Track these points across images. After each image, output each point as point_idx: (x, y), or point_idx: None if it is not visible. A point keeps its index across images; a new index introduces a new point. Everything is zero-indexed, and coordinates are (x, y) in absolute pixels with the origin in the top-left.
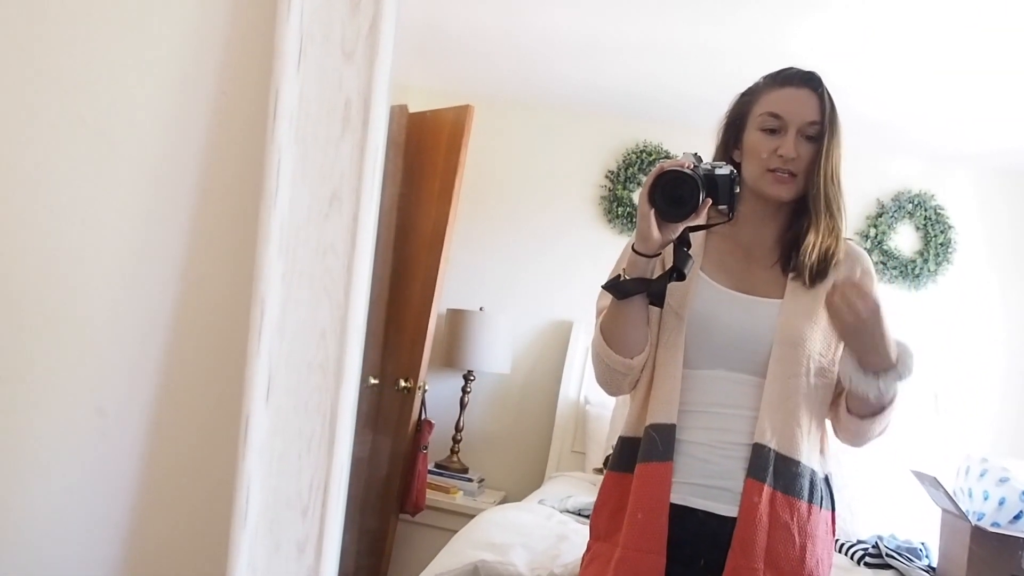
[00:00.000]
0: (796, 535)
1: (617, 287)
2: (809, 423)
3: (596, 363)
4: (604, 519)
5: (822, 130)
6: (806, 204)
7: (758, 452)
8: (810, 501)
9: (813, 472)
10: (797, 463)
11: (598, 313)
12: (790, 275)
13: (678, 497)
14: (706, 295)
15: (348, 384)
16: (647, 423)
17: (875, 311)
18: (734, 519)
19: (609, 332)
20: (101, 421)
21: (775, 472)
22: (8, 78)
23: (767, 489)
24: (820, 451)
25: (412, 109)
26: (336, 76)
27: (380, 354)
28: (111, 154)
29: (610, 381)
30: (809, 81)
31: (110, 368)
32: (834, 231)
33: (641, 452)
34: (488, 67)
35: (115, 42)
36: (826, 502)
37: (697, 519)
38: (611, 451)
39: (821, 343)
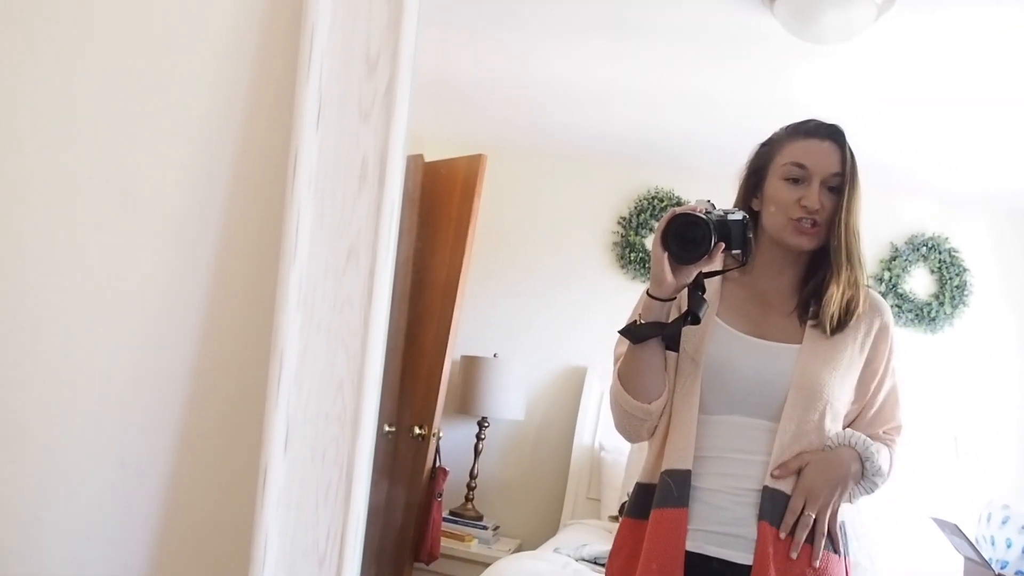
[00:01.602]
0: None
1: (632, 331)
2: None
3: (615, 409)
4: (620, 566)
5: (844, 182)
6: (824, 253)
7: (769, 495)
8: (825, 547)
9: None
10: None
11: (616, 360)
12: (809, 323)
13: (693, 544)
14: (722, 340)
15: (365, 434)
16: (663, 469)
17: (819, 498)
18: (749, 567)
19: (626, 377)
20: (122, 472)
21: (774, 514)
22: (36, 137)
23: (782, 533)
24: None
25: (427, 158)
26: (353, 136)
27: (395, 402)
28: (135, 213)
29: (628, 427)
30: (833, 134)
31: (131, 420)
32: (855, 282)
33: (656, 498)
34: (500, 116)
35: (140, 103)
36: (841, 548)
37: (712, 568)
38: (627, 497)
39: (838, 388)
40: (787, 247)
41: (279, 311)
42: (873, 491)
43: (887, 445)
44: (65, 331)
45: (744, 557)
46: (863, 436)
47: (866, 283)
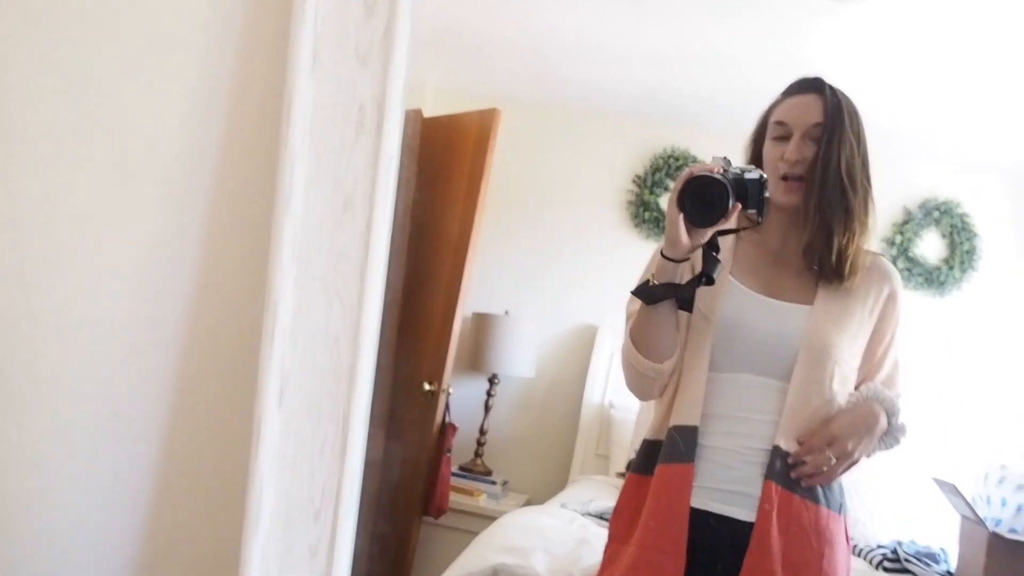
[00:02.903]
0: (813, 540)
1: (646, 292)
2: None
3: (626, 369)
4: (624, 521)
5: (825, 130)
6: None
7: (777, 455)
8: (828, 506)
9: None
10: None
11: (628, 318)
12: (820, 283)
13: (697, 501)
14: (735, 299)
15: (361, 389)
16: (670, 424)
17: (847, 445)
18: (748, 524)
19: (639, 337)
20: (116, 424)
21: (781, 474)
22: (25, 84)
23: (785, 492)
24: None
25: (430, 110)
26: (350, 81)
27: (391, 356)
28: (126, 160)
29: (640, 386)
30: (813, 86)
31: (125, 373)
32: (848, 230)
33: (663, 453)
34: (509, 69)
35: (130, 48)
36: (842, 507)
37: (710, 524)
38: (635, 455)
39: (848, 351)
40: (780, 207)
41: (273, 263)
42: (893, 447)
43: None
44: (56, 283)
45: (747, 515)
46: (889, 394)
47: (872, 241)
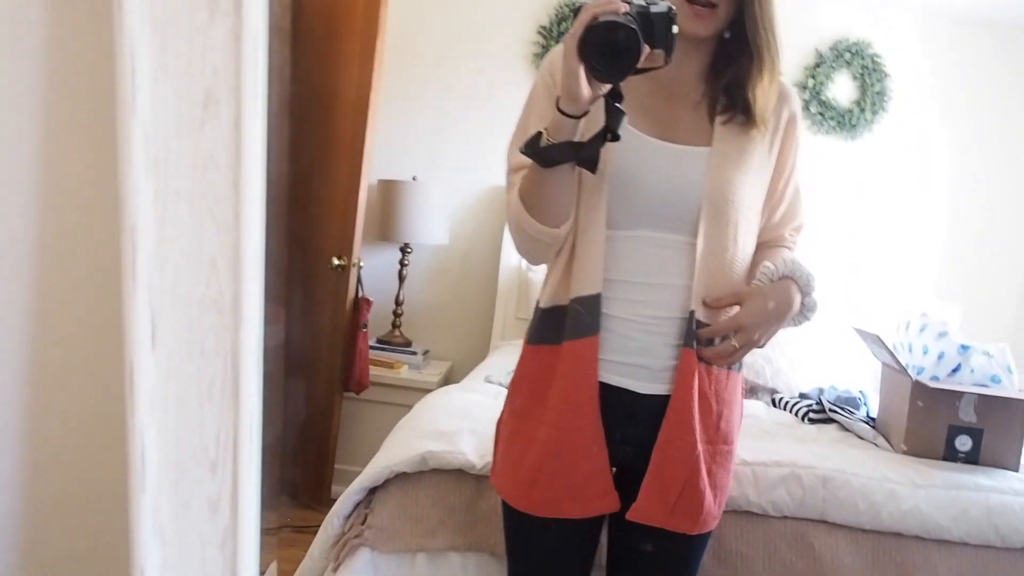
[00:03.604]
0: (714, 404)
1: (542, 154)
2: (734, 286)
3: (516, 233)
4: (524, 394)
5: None
6: (730, 41)
7: (692, 322)
8: (728, 368)
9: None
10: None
11: (512, 171)
12: (719, 120)
13: (602, 375)
14: (629, 146)
15: (249, 321)
16: (571, 296)
17: (754, 335)
18: (648, 396)
19: (531, 201)
20: None
21: (698, 342)
22: None
23: (701, 362)
24: None
25: None
26: None
27: (286, 236)
28: None
29: (534, 251)
30: None
31: None
32: (765, 69)
33: (568, 328)
34: None
35: None
36: (740, 366)
37: (612, 393)
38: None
39: (751, 194)
40: (684, 34)
41: (124, 177)
42: (802, 324)
43: (790, 249)
44: None
45: (645, 387)
46: (806, 269)
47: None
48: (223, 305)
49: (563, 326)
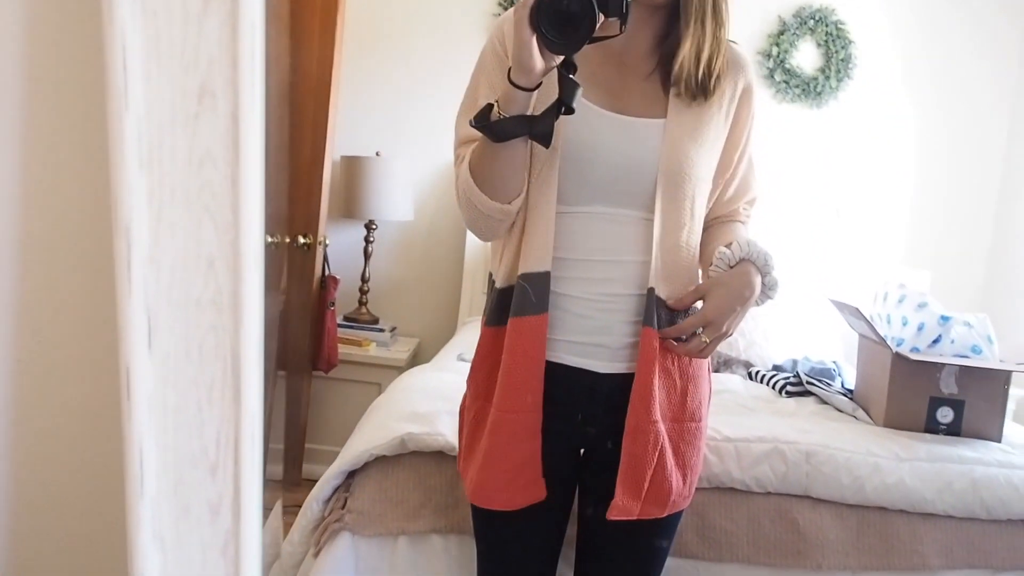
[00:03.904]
0: (677, 380)
1: (493, 128)
2: (690, 264)
3: (466, 208)
4: (483, 377)
5: None
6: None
7: (651, 300)
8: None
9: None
10: (677, 311)
11: (460, 143)
12: (672, 91)
13: (552, 355)
14: (581, 119)
15: (250, 320)
16: (519, 272)
17: (722, 327)
18: (608, 375)
19: (482, 176)
20: None
21: (659, 321)
22: None
23: (662, 340)
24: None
25: None
26: None
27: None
28: None
29: (484, 228)
30: None
31: None
32: (715, 38)
33: (513, 305)
34: None
35: None
36: None
37: (571, 373)
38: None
39: (706, 167)
40: (638, 1)
41: (117, 174)
42: (764, 303)
43: (744, 223)
44: None
45: (604, 366)
46: (762, 248)
47: (727, 38)
48: (222, 304)
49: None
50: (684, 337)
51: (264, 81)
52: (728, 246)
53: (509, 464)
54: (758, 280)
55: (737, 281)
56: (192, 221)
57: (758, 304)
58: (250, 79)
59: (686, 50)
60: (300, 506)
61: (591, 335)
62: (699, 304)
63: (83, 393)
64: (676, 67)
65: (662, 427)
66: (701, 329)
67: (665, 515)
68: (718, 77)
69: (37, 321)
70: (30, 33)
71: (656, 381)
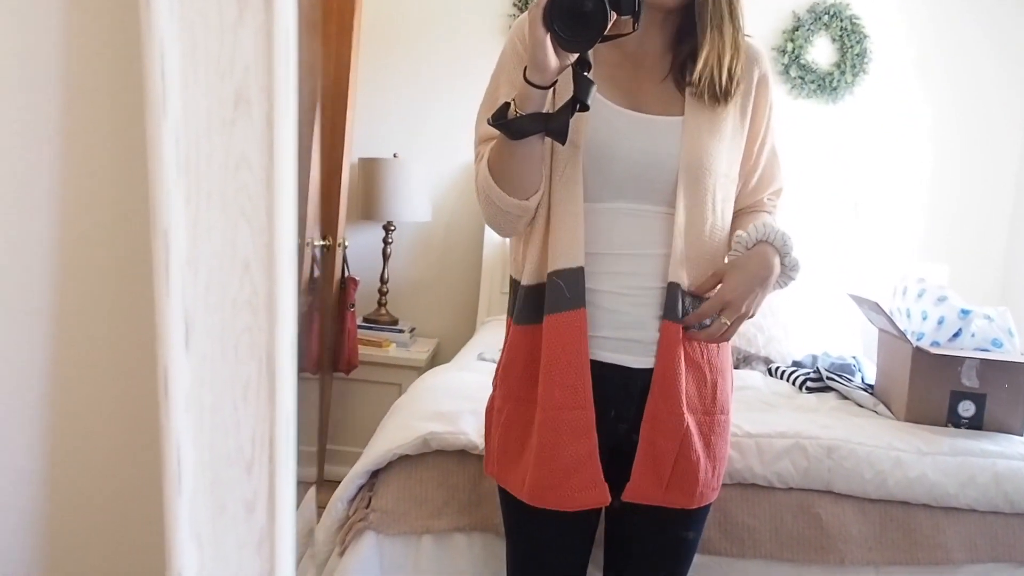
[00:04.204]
0: (708, 373)
1: (511, 126)
2: (717, 257)
3: (485, 205)
4: (516, 376)
5: None
6: (694, 10)
7: (673, 292)
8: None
9: None
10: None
11: (480, 142)
12: (688, 91)
13: (589, 352)
14: (602, 117)
15: (284, 321)
16: (549, 270)
17: (741, 308)
18: (642, 370)
19: (500, 173)
20: None
21: (685, 312)
22: None
23: (682, 330)
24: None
25: None
26: None
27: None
28: None
29: (503, 224)
30: None
31: None
32: (734, 43)
33: (548, 303)
34: None
35: None
36: None
37: (605, 370)
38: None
39: (726, 162)
40: (651, 5)
41: (156, 179)
42: (787, 285)
43: (770, 213)
44: None
45: (639, 361)
46: (779, 229)
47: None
48: (257, 306)
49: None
50: (709, 322)
51: (297, 87)
52: (745, 229)
53: (563, 463)
54: (776, 260)
55: (754, 262)
56: (228, 224)
57: (781, 286)
58: (284, 85)
59: (705, 57)
60: (323, 506)
61: (623, 330)
62: None
63: (121, 393)
64: (696, 75)
65: (689, 418)
66: (720, 312)
67: (694, 507)
68: (738, 80)
69: (76, 323)
70: (70, 42)
71: (682, 373)
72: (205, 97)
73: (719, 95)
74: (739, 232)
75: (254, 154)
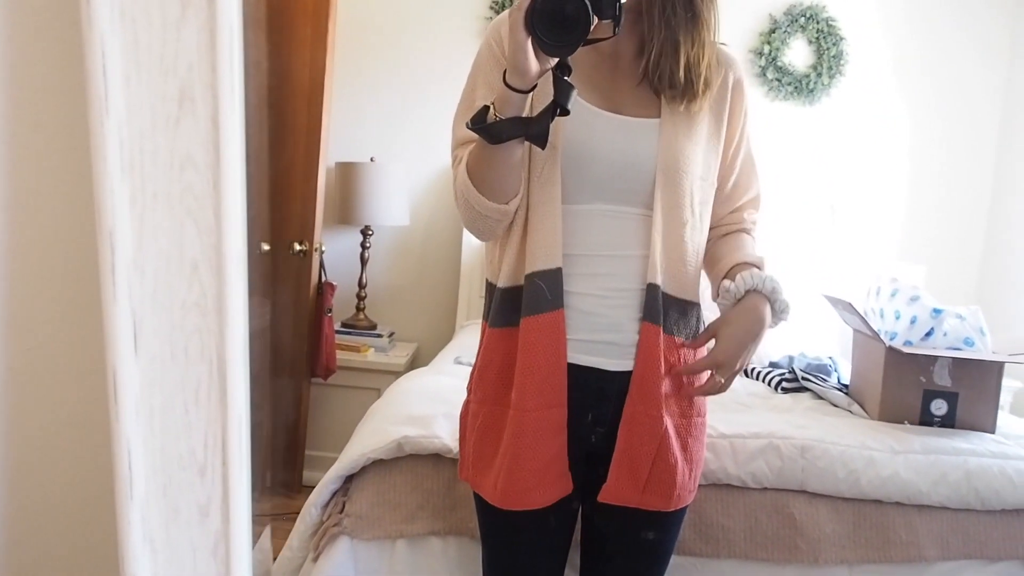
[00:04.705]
0: (684, 376)
1: (490, 130)
2: (695, 259)
3: (464, 209)
4: (490, 380)
5: None
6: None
7: (652, 293)
8: (695, 338)
9: (698, 308)
10: (685, 303)
11: (457, 145)
12: (664, 94)
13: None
14: (579, 119)
15: (234, 322)
16: (527, 271)
17: (735, 366)
18: (619, 372)
19: (479, 177)
20: None
21: (665, 314)
22: None
23: (661, 332)
24: (697, 286)
25: None
26: None
27: (269, 218)
28: None
29: (483, 228)
30: None
31: None
32: (697, 38)
33: (526, 304)
34: None
35: None
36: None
37: (581, 372)
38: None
39: (703, 166)
40: (627, 6)
41: (100, 179)
42: (778, 325)
43: (749, 233)
44: None
45: (615, 364)
46: (767, 275)
47: (713, 40)
48: (206, 307)
49: (521, 304)
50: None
51: (244, 85)
52: (734, 274)
53: (538, 463)
54: (767, 310)
55: (746, 318)
56: (175, 225)
57: (772, 327)
58: (229, 83)
59: (654, 51)
60: (299, 512)
61: (600, 332)
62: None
63: (72, 398)
64: (647, 67)
65: (668, 421)
66: (716, 370)
67: (671, 509)
68: (705, 78)
69: (24, 328)
70: (10, 40)
71: (660, 374)
72: (149, 95)
73: (684, 89)
74: (726, 282)
75: (200, 153)
